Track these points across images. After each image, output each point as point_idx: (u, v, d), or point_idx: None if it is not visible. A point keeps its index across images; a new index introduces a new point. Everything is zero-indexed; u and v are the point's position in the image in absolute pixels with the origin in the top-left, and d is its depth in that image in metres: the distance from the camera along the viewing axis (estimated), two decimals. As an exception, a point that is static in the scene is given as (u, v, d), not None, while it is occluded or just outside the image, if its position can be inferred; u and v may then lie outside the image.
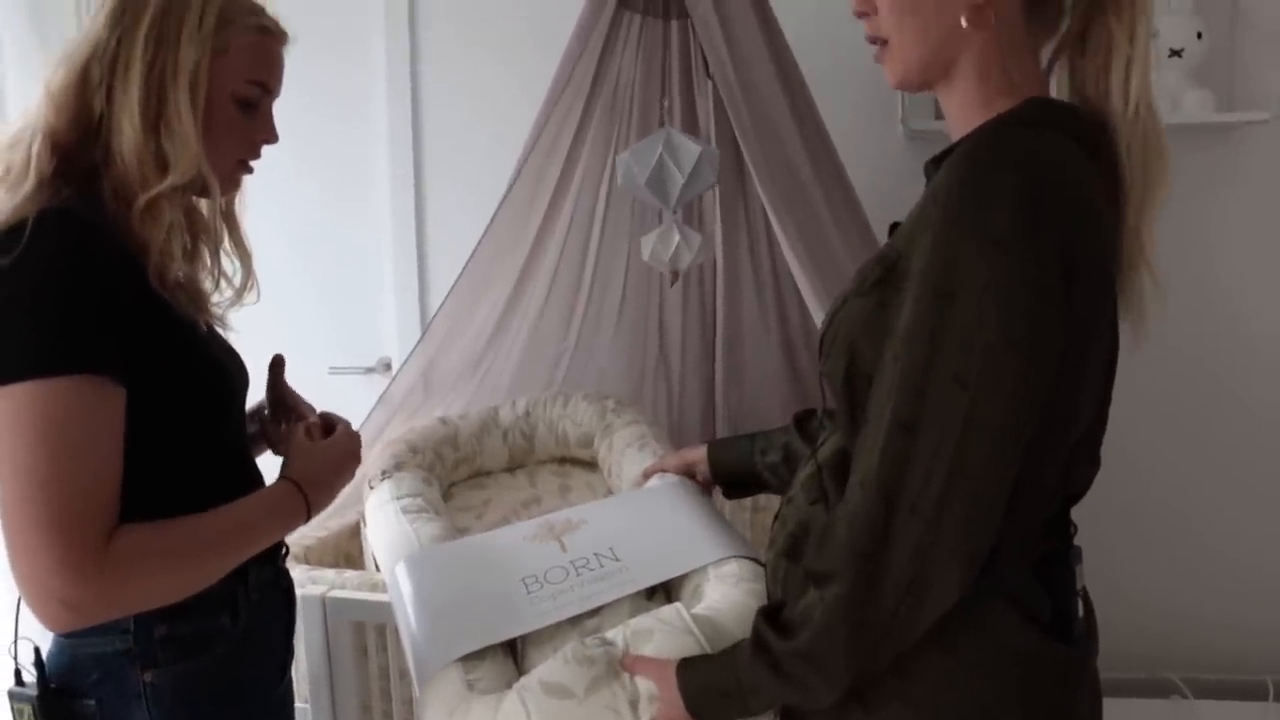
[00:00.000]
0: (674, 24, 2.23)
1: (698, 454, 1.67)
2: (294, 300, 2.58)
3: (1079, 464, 1.08)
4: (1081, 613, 1.11)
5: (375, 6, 2.76)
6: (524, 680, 1.24)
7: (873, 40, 1.13)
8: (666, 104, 2.17)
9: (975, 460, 0.95)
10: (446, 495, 2.07)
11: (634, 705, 1.19)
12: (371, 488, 1.92)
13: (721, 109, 2.14)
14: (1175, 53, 2.32)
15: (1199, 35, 2.31)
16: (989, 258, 0.94)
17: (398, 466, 1.97)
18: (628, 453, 1.98)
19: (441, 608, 1.46)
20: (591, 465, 2.16)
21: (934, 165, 1.12)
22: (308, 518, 1.29)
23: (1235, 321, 2.50)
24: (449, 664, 1.31)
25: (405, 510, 1.78)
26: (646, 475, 1.77)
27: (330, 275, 2.87)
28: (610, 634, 1.27)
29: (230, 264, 1.36)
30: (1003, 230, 0.94)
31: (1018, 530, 1.03)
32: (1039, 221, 0.94)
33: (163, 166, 1.18)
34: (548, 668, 1.24)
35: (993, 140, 1.04)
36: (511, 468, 2.21)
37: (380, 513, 1.82)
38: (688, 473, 1.70)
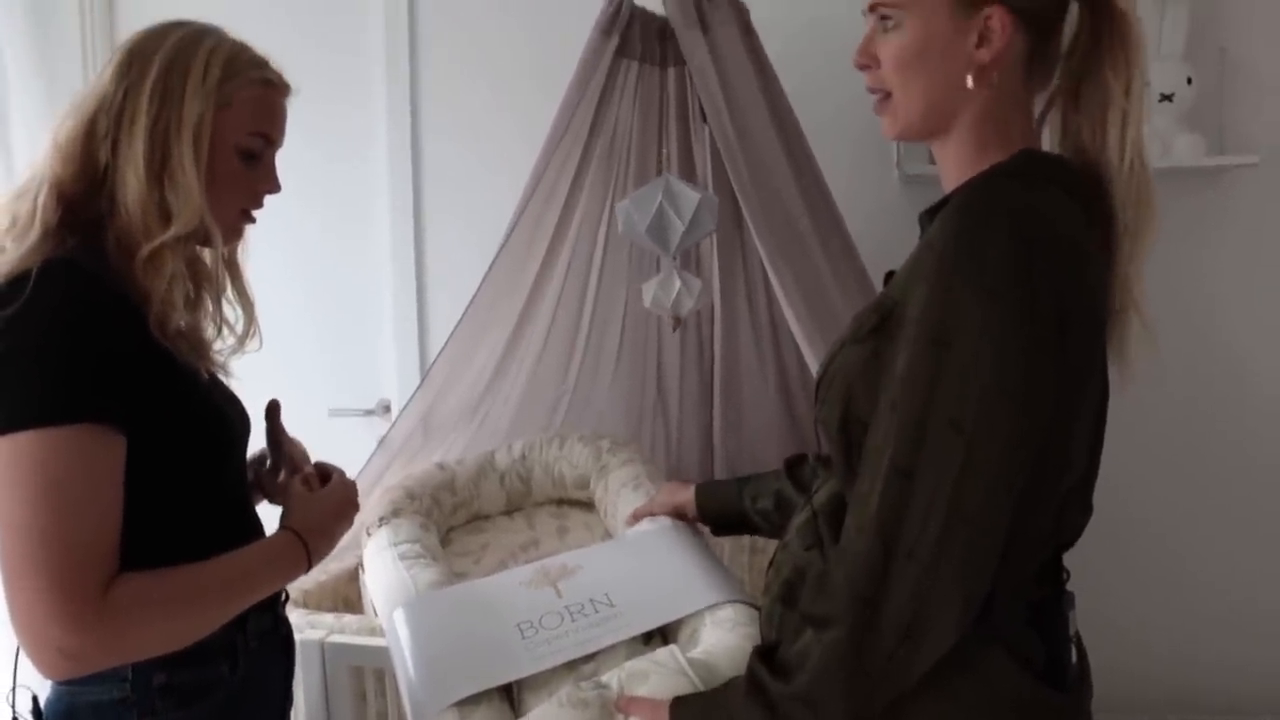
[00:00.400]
0: (670, 71, 2.26)
1: (686, 495, 1.68)
2: (294, 343, 2.58)
3: (1071, 511, 1.09)
4: (1075, 658, 1.12)
5: (375, 48, 2.79)
6: None
7: (873, 91, 1.16)
8: (665, 151, 2.20)
9: (972, 505, 0.97)
10: (445, 540, 2.07)
11: None
12: (369, 534, 1.93)
13: (718, 156, 2.17)
14: (1166, 97, 2.35)
15: (1189, 81, 2.34)
16: (984, 307, 0.95)
17: (395, 513, 1.98)
18: (623, 493, 1.98)
19: (438, 653, 1.46)
20: (589, 506, 2.17)
21: (928, 216, 1.14)
22: (309, 566, 1.30)
23: (1227, 361, 2.51)
24: (445, 708, 1.32)
25: (402, 556, 1.79)
26: (636, 517, 1.78)
27: (330, 317, 2.88)
28: (605, 677, 1.28)
29: (232, 311, 1.38)
30: (997, 280, 0.96)
31: (1012, 577, 1.04)
32: (1032, 272, 0.96)
33: (166, 217, 1.20)
34: (543, 711, 1.24)
35: (986, 192, 1.06)
36: (509, 510, 2.22)
37: (378, 559, 1.82)
38: (677, 514, 1.71)
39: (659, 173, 2.09)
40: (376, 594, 1.75)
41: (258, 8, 2.71)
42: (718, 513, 1.63)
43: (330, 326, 2.88)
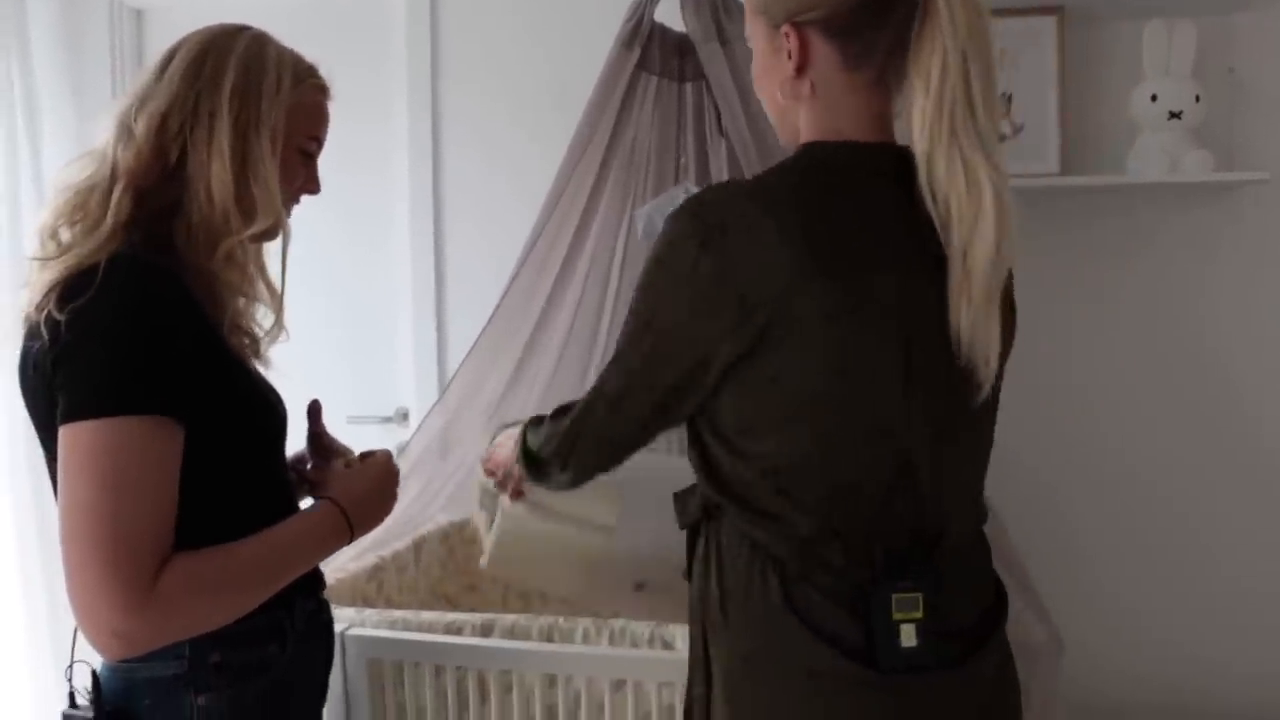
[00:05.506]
0: (688, 85, 2.33)
1: None
2: (315, 350, 2.61)
3: (901, 502, 1.14)
4: (915, 642, 1.13)
5: (398, 64, 2.86)
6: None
7: None
8: (682, 161, 2.24)
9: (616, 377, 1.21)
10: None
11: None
12: None
13: (735, 165, 2.22)
14: (1175, 115, 2.39)
15: (1197, 99, 2.38)
16: (651, 268, 1.14)
17: None
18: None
19: None
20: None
21: None
22: (351, 537, 1.32)
23: (1230, 373, 2.54)
24: None
25: None
26: None
27: (350, 326, 2.93)
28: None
29: (255, 306, 1.39)
30: (661, 250, 1.13)
31: (815, 552, 1.13)
32: (692, 245, 1.09)
33: (248, 213, 1.24)
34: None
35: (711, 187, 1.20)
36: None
37: None
38: None
39: (677, 182, 2.13)
40: None
41: (282, 27, 2.77)
42: None
43: (350, 335, 2.93)
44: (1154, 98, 2.40)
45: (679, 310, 1.11)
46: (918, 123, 1.09)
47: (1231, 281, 2.51)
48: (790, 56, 1.15)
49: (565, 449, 1.32)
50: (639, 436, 1.26)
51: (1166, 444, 2.54)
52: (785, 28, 1.14)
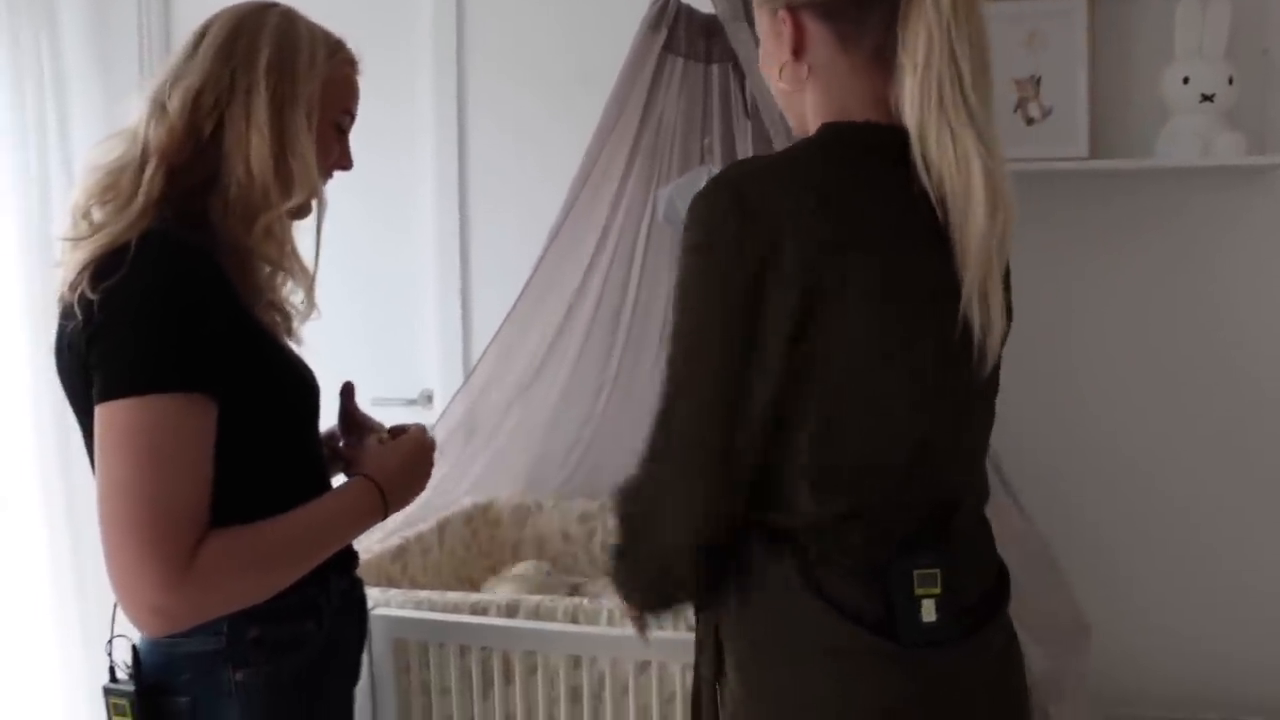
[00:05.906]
0: (714, 67, 2.32)
1: None
2: (338, 332, 2.61)
3: (918, 486, 1.14)
4: (934, 617, 1.13)
5: (424, 45, 2.85)
6: None
7: None
8: (707, 142, 2.24)
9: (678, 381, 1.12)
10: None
11: None
12: None
13: (761, 146, 2.19)
14: (1207, 98, 2.35)
15: (1230, 80, 2.35)
16: (687, 260, 1.10)
17: None
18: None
19: None
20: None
21: None
22: (385, 514, 1.33)
23: (1268, 355, 2.51)
24: None
25: None
26: None
27: (374, 308, 2.92)
28: None
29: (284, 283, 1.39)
30: (696, 237, 1.09)
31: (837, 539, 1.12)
32: (723, 230, 1.06)
33: (287, 187, 1.25)
34: None
35: (736, 163, 1.20)
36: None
37: None
38: None
39: (701, 163, 2.12)
40: None
41: (308, 6, 2.77)
42: None
43: (375, 317, 2.92)
44: (1186, 80, 2.36)
45: (728, 296, 1.08)
46: (908, 99, 1.09)
47: (1263, 265, 2.48)
48: (787, 41, 1.16)
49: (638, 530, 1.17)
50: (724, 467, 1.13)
51: (1204, 430, 2.51)
52: (781, 12, 1.16)
